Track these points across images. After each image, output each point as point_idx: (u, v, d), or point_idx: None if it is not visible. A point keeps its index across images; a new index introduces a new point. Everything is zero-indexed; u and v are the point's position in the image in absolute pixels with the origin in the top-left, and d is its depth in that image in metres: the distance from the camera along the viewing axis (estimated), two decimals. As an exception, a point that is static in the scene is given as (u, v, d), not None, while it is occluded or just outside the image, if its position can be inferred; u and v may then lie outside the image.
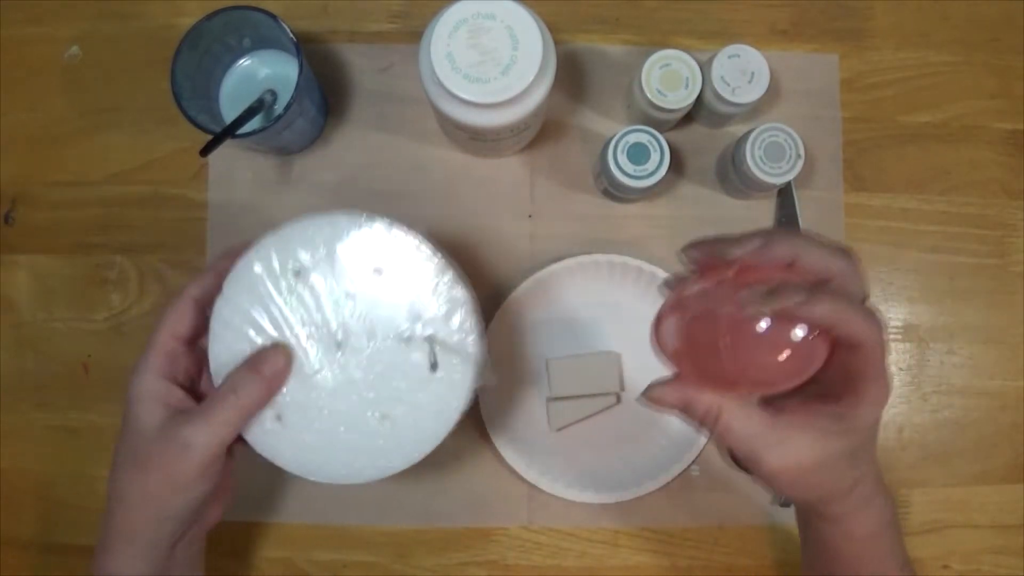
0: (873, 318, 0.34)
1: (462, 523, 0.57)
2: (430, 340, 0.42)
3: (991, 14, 0.60)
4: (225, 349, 0.42)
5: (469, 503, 0.57)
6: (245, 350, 0.41)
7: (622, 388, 0.57)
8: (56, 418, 0.57)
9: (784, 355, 0.33)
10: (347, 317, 0.42)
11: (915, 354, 0.59)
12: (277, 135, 0.51)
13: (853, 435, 0.37)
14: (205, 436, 0.38)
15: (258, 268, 0.42)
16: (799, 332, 0.33)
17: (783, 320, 0.33)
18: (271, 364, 0.40)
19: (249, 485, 0.57)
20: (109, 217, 0.58)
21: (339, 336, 0.42)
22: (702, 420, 0.37)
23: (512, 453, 0.55)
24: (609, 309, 0.57)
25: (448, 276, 0.42)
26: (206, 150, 0.47)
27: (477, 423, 0.56)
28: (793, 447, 0.36)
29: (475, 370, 0.42)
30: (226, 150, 0.54)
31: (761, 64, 0.52)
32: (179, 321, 0.42)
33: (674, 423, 0.57)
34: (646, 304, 0.57)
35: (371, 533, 0.57)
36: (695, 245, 0.36)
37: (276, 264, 0.42)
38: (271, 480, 0.57)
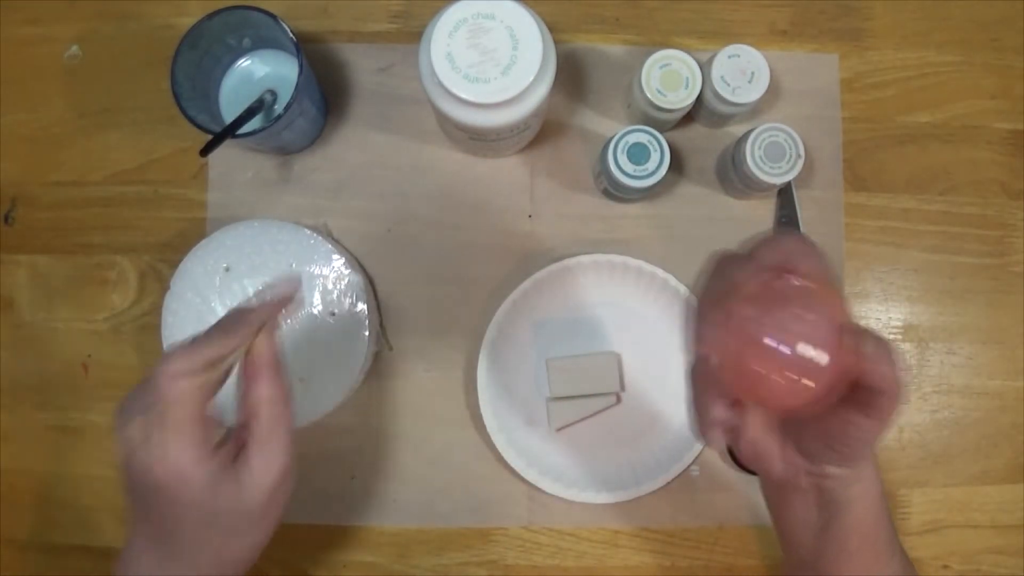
0: (899, 368, 0.31)
1: (462, 523, 0.57)
2: (333, 316, 0.54)
3: (991, 14, 0.60)
4: (176, 336, 0.54)
5: (469, 503, 0.57)
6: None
7: (622, 388, 0.57)
8: (56, 418, 0.57)
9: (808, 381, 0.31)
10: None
11: (915, 354, 0.59)
12: (277, 135, 0.51)
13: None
14: (269, 471, 0.38)
15: (197, 269, 0.54)
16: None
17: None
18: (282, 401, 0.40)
19: (249, 485, 0.57)
20: (109, 217, 0.58)
21: None
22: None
23: (512, 453, 0.55)
24: (609, 309, 0.57)
25: (347, 268, 0.54)
26: (206, 150, 0.47)
27: (477, 423, 0.56)
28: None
29: (369, 338, 0.54)
30: (226, 150, 0.54)
31: (761, 64, 0.52)
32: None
33: (674, 423, 0.57)
34: (646, 304, 0.57)
35: (371, 533, 0.57)
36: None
37: (210, 264, 0.54)
38: (271, 480, 0.57)
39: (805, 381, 0.31)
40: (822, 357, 0.30)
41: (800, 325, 0.31)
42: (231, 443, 0.39)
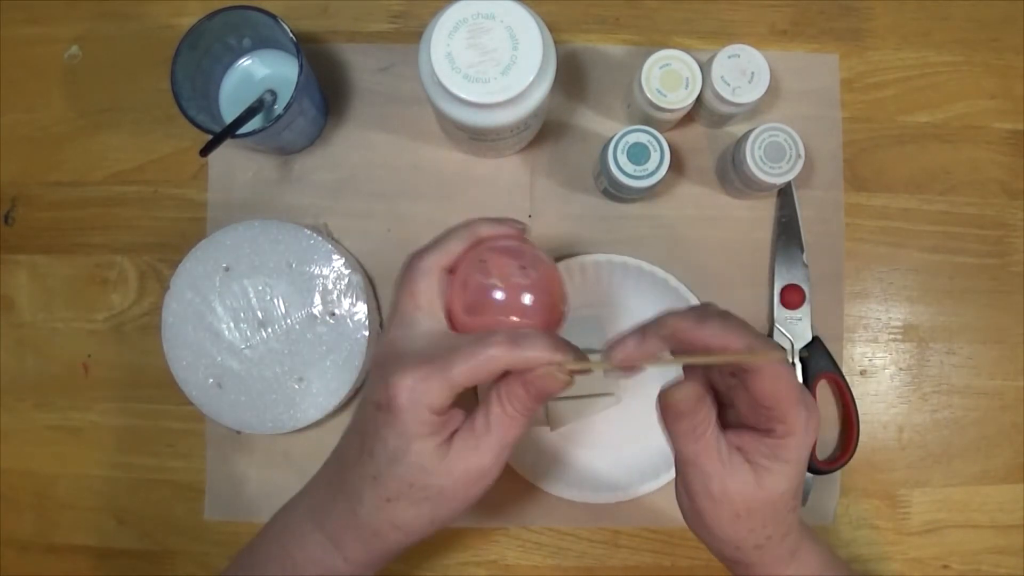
0: (768, 344, 0.35)
1: (462, 523, 0.57)
2: (333, 317, 0.54)
3: (991, 14, 0.60)
4: (176, 335, 0.54)
5: (469, 503, 0.57)
6: (192, 336, 0.53)
7: (622, 388, 0.57)
8: (56, 418, 0.57)
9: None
10: (266, 302, 0.54)
11: (915, 354, 0.59)
12: (277, 135, 0.51)
13: (791, 471, 0.36)
14: (495, 455, 0.37)
15: (196, 269, 0.54)
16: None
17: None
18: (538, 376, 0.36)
19: (248, 486, 0.57)
20: (109, 217, 0.58)
21: (261, 317, 0.54)
22: (694, 425, 0.36)
23: (512, 453, 0.55)
24: (609, 309, 0.57)
25: (347, 268, 0.54)
26: (206, 150, 0.47)
27: (477, 423, 0.56)
28: (740, 476, 0.36)
29: (369, 338, 0.54)
30: (226, 150, 0.54)
31: (761, 64, 0.52)
32: (483, 374, 0.36)
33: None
34: (646, 304, 0.57)
35: (371, 533, 0.57)
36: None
37: (210, 264, 0.54)
38: (271, 480, 0.57)
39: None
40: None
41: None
42: (473, 414, 0.38)
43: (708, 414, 0.36)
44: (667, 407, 0.36)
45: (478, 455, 0.37)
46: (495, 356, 0.35)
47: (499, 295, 0.38)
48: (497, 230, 0.41)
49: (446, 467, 0.36)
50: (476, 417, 0.37)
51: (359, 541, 0.39)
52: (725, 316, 0.37)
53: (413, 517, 0.38)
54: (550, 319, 0.39)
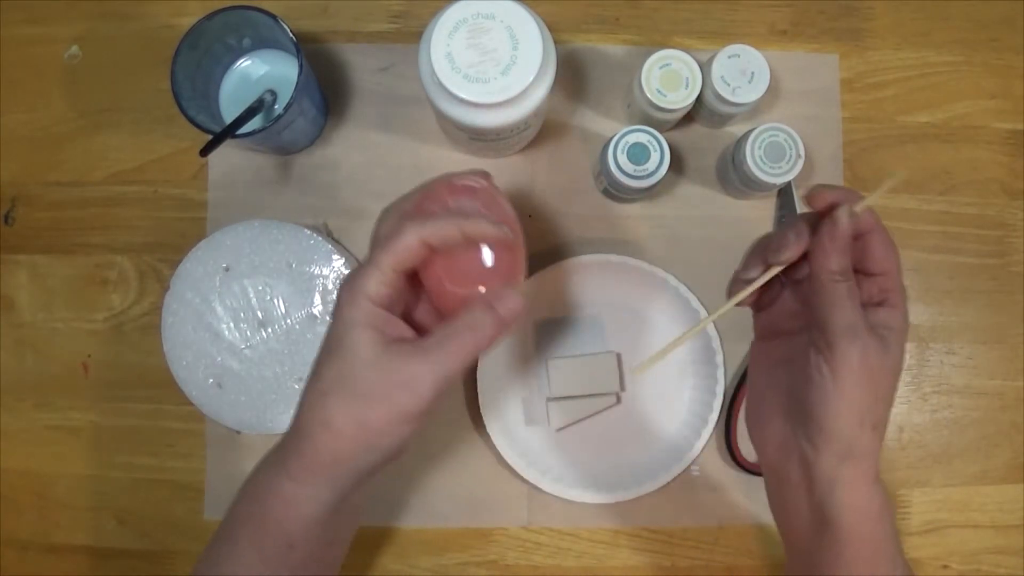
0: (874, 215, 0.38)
1: (462, 523, 0.57)
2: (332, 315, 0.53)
3: (991, 14, 0.60)
4: (176, 335, 0.54)
5: (469, 503, 0.57)
6: (192, 336, 0.54)
7: (622, 388, 0.57)
8: (56, 418, 0.57)
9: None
10: (266, 302, 0.54)
11: (915, 354, 0.59)
12: (277, 135, 0.51)
13: (903, 340, 0.38)
14: (434, 373, 0.37)
15: (196, 269, 0.54)
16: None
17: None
18: (508, 305, 0.39)
19: (249, 485, 0.57)
20: (109, 217, 0.58)
21: (261, 317, 0.54)
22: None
23: (512, 453, 0.55)
24: (609, 309, 0.57)
25: (347, 268, 0.54)
26: (206, 150, 0.47)
27: (477, 423, 0.56)
28: (875, 342, 0.37)
29: None
30: (226, 150, 0.54)
31: (761, 64, 0.52)
32: (406, 253, 0.38)
33: (674, 423, 0.57)
34: (646, 304, 0.57)
35: (371, 533, 0.57)
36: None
37: (210, 264, 0.54)
38: (271, 480, 0.57)
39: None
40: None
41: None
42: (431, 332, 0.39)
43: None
44: (837, 229, 0.37)
45: (414, 362, 0.37)
46: (408, 234, 0.38)
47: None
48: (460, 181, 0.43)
49: (379, 361, 0.37)
50: (427, 336, 0.38)
51: (295, 452, 0.39)
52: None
53: (341, 413, 0.38)
54: (513, 260, 0.41)
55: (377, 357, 0.37)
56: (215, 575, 0.41)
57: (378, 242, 0.41)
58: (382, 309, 0.39)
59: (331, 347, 0.39)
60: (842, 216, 0.37)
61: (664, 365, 0.57)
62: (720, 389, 0.55)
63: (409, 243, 0.38)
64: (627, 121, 0.58)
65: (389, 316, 0.39)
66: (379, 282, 0.38)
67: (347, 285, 0.39)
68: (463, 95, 0.44)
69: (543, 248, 0.58)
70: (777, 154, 0.52)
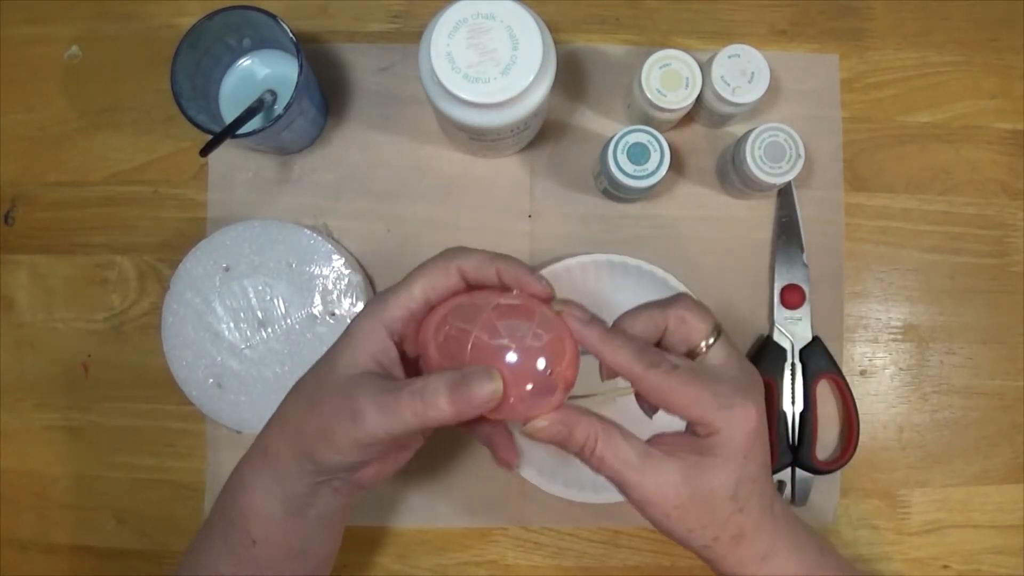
0: (645, 357, 0.37)
1: (462, 523, 0.57)
2: (333, 317, 0.54)
3: (991, 14, 0.60)
4: (176, 335, 0.54)
5: (469, 503, 0.57)
6: (192, 336, 0.54)
7: (622, 388, 0.57)
8: (56, 418, 0.57)
9: (529, 386, 0.35)
10: (266, 302, 0.54)
11: (915, 354, 0.59)
12: (277, 135, 0.51)
13: (720, 467, 0.36)
14: (377, 423, 0.35)
15: (196, 268, 0.54)
16: (541, 363, 0.35)
17: (526, 351, 0.35)
18: (475, 393, 0.35)
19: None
20: (109, 217, 0.58)
21: (261, 317, 0.54)
22: (580, 450, 0.37)
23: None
24: (609, 309, 0.57)
25: (347, 268, 0.54)
26: (206, 150, 0.47)
27: (477, 423, 0.56)
28: (662, 477, 0.36)
29: None
30: (226, 150, 0.54)
31: (761, 64, 0.52)
32: (438, 282, 0.38)
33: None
34: (646, 304, 0.57)
35: (371, 533, 0.57)
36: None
37: (210, 264, 0.54)
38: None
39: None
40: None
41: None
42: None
43: (590, 432, 0.37)
44: (537, 441, 0.37)
45: (369, 400, 0.36)
46: (448, 262, 0.38)
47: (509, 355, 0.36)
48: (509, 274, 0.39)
49: (347, 381, 0.37)
50: (402, 382, 0.36)
51: (258, 440, 0.39)
52: (644, 307, 0.39)
53: (292, 412, 0.39)
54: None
55: (348, 377, 0.37)
56: (192, 563, 0.42)
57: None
58: (394, 334, 0.38)
59: (330, 349, 0.39)
60: (535, 432, 0.37)
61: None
62: (720, 389, 0.55)
63: (448, 270, 0.38)
64: (627, 121, 0.58)
65: (390, 346, 0.38)
66: (400, 305, 0.38)
67: (374, 300, 0.39)
68: (463, 95, 0.44)
69: (543, 248, 0.58)
70: (777, 154, 0.52)
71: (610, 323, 0.40)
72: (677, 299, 0.39)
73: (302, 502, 0.39)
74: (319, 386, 0.38)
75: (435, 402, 0.34)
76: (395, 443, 0.37)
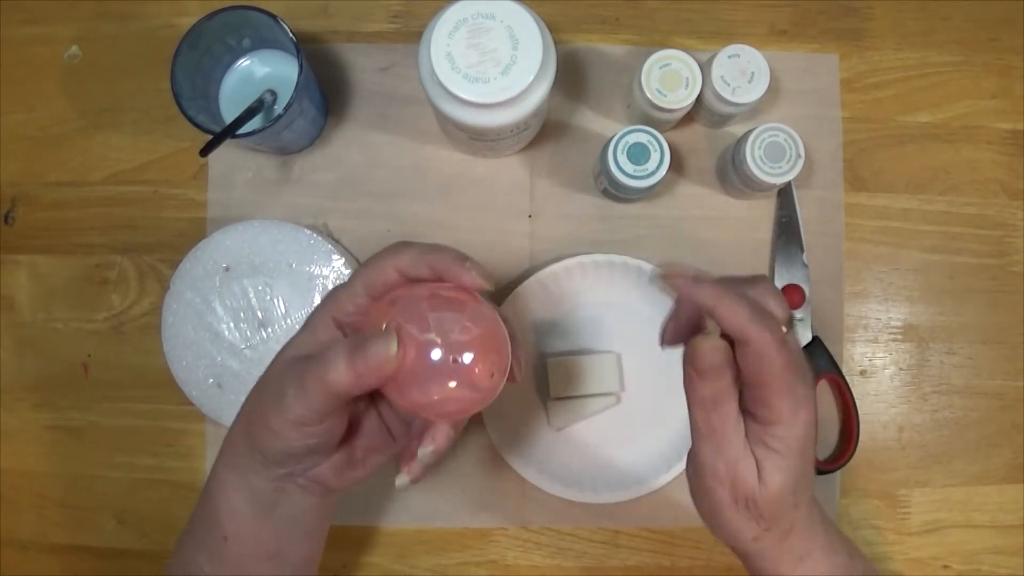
0: (764, 319, 0.34)
1: (461, 523, 0.57)
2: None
3: (991, 14, 0.60)
4: (176, 335, 0.54)
5: (469, 503, 0.57)
6: (192, 336, 0.54)
7: (622, 388, 0.57)
8: (56, 418, 0.57)
9: (451, 383, 0.35)
10: (267, 302, 0.54)
11: (915, 354, 0.59)
12: (277, 135, 0.51)
13: (784, 462, 0.36)
14: (295, 397, 0.35)
15: (196, 269, 0.54)
16: (467, 357, 0.35)
17: (451, 345, 0.34)
18: (371, 354, 0.35)
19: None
20: (109, 217, 0.58)
21: (261, 317, 0.54)
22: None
23: (512, 453, 0.55)
24: (609, 309, 0.57)
25: (347, 268, 0.54)
26: (206, 150, 0.47)
27: (478, 423, 0.56)
28: (750, 464, 0.36)
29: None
30: (226, 150, 0.54)
31: (761, 64, 0.52)
32: (376, 278, 0.38)
33: (674, 423, 0.57)
34: (646, 304, 0.57)
35: (371, 533, 0.57)
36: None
37: (210, 264, 0.54)
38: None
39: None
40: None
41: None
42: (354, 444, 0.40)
43: (731, 385, 0.35)
44: (694, 358, 0.35)
45: (292, 376, 0.36)
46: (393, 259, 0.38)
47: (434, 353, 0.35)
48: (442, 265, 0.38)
49: (288, 364, 0.38)
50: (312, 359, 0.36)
51: (228, 435, 0.40)
52: (728, 282, 0.36)
53: (249, 400, 0.39)
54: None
55: (285, 362, 0.38)
56: (179, 559, 0.42)
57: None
58: (344, 326, 0.39)
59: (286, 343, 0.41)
60: (702, 346, 0.35)
61: (664, 365, 0.57)
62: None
63: (384, 267, 0.38)
64: (627, 121, 0.58)
65: (339, 336, 0.39)
66: (347, 299, 0.38)
67: (327, 294, 0.40)
68: (463, 95, 0.44)
69: (543, 248, 0.58)
70: (777, 154, 0.52)
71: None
72: (756, 280, 0.37)
73: (268, 499, 0.39)
74: (266, 376, 0.39)
75: (336, 365, 0.35)
76: (326, 422, 0.36)
